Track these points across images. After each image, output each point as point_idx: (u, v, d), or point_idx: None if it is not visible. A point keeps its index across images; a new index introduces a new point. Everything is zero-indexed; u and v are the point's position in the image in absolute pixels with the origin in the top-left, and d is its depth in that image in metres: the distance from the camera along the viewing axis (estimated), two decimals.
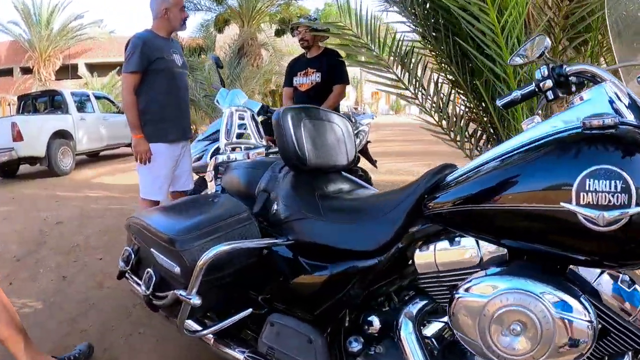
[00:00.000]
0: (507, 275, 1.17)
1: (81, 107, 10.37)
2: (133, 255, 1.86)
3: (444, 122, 3.40)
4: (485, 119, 3.42)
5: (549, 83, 1.28)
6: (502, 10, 2.62)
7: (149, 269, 1.71)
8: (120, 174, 9.19)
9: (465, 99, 3.42)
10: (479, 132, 3.55)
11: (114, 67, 20.20)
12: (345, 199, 1.73)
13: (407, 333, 1.36)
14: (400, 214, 1.39)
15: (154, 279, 1.66)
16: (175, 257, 1.54)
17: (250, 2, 12.25)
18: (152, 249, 1.67)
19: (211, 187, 2.15)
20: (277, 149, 2.01)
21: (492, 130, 3.51)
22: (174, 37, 3.62)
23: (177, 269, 1.53)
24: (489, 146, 3.55)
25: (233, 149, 2.22)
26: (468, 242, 1.31)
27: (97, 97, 11.32)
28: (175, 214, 1.78)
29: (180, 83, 3.41)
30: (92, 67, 23.19)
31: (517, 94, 1.37)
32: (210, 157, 3.87)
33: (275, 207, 1.69)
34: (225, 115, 2.26)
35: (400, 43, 3.26)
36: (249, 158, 2.09)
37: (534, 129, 1.24)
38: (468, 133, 3.46)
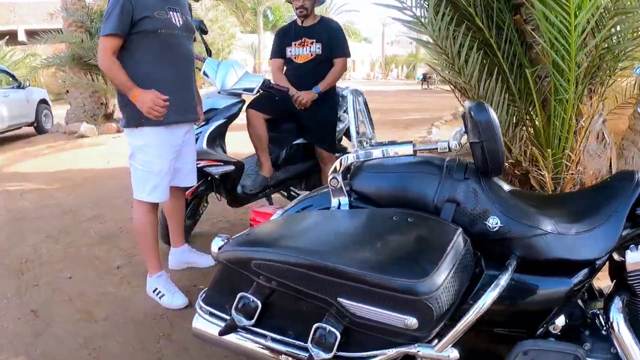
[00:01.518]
0: None
1: None
2: (260, 305, 1.38)
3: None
4: (528, 109, 3.29)
5: None
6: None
7: (323, 325, 1.30)
8: (33, 159, 7.91)
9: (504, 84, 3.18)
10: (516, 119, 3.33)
11: (2, 36, 17.56)
12: (549, 204, 1.62)
13: (622, 327, 1.43)
14: (619, 222, 1.46)
15: (338, 336, 1.28)
16: (409, 307, 1.21)
17: None
18: (339, 299, 1.27)
19: (337, 195, 1.56)
20: (424, 147, 1.72)
21: (528, 120, 3.29)
22: None
23: (412, 321, 1.21)
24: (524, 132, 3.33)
25: (360, 144, 1.67)
26: None
27: None
28: (360, 243, 1.35)
29: (180, 50, 2.66)
30: None
31: None
32: (207, 143, 3.17)
33: (492, 222, 1.47)
34: (349, 101, 1.71)
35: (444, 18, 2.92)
36: (392, 156, 1.61)
37: None
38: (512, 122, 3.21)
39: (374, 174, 1.66)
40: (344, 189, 1.60)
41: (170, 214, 3.08)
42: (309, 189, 4.31)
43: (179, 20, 2.62)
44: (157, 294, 2.74)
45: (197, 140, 3.12)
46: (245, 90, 3.31)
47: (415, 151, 1.60)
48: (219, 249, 1.53)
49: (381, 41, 53.78)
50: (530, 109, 3.28)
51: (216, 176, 3.27)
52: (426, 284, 1.18)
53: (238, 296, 1.40)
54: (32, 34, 22.20)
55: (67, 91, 10.44)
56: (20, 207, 4.93)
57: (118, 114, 11.14)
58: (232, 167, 3.30)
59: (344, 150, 4.36)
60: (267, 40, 33.22)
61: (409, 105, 15.48)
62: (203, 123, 3.20)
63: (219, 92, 3.39)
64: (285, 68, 3.84)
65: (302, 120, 3.74)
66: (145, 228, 2.71)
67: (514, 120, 3.32)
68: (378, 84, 33.52)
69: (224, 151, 3.43)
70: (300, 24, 3.71)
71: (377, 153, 1.64)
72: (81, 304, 2.78)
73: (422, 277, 1.18)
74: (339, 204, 1.64)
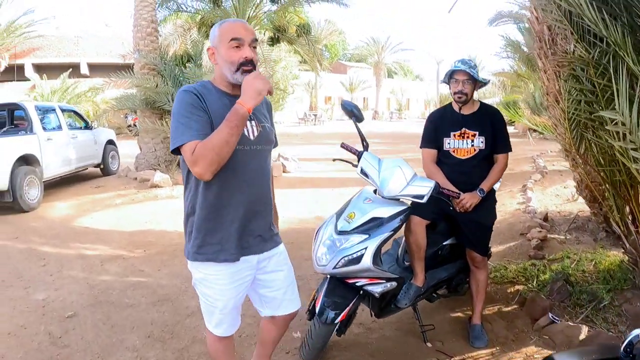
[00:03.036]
0: None
1: (46, 123, 8.52)
2: None
3: None
4: None
5: None
6: None
7: None
8: (104, 210, 7.49)
9: None
10: None
11: (65, 68, 17.80)
12: None
13: None
14: None
15: None
16: None
17: (245, 4, 10.66)
18: None
19: None
20: None
21: None
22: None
23: None
24: None
25: None
26: None
27: (63, 111, 9.41)
28: None
29: (251, 168, 2.06)
30: (39, 68, 20.39)
31: None
32: (372, 259, 2.59)
33: None
34: None
35: None
36: None
37: None
38: None
39: None
40: None
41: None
42: (452, 292, 3.66)
43: (253, 132, 2.04)
44: None
45: (360, 257, 2.56)
46: (415, 197, 2.71)
47: None
48: None
49: (435, 79, 53.22)
50: None
51: (376, 294, 2.69)
52: None
53: None
54: (94, 68, 22.70)
55: (134, 130, 10.15)
56: (103, 284, 4.39)
57: None
58: (395, 285, 2.74)
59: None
60: (323, 78, 33.67)
61: None
62: (367, 236, 2.62)
63: (375, 192, 2.83)
64: (437, 159, 3.29)
65: (458, 222, 3.18)
66: (217, 355, 2.37)
67: None
68: None
69: (382, 262, 2.85)
70: (458, 111, 3.20)
71: None
72: None
73: None
74: None
